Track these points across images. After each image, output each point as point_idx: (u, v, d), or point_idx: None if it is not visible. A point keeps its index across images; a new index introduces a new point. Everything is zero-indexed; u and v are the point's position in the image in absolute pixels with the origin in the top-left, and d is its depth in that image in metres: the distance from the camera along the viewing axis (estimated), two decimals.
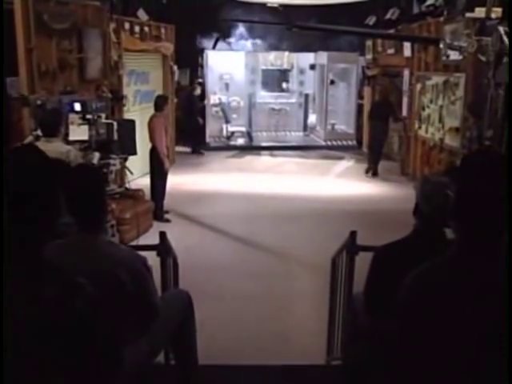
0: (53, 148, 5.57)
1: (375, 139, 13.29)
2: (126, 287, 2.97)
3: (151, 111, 9.59)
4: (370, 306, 3.30)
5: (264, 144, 17.34)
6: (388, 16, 13.62)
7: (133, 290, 3.00)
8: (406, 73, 13.06)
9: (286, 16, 12.62)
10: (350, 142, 17.10)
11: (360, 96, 17.16)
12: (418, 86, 12.26)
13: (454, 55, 9.46)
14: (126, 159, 10.17)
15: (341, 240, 4.65)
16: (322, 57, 17.42)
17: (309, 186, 12.14)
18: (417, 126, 12.40)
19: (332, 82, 17.40)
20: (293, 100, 18.94)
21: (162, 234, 4.07)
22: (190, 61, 17.26)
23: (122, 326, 2.92)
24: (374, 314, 3.25)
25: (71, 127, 6.19)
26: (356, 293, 4.07)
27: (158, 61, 13.83)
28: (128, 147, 7.07)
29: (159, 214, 9.24)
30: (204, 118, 16.79)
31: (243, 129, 17.56)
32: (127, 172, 9.29)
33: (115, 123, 6.63)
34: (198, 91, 16.17)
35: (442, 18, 10.42)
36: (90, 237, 3.01)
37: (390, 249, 3.27)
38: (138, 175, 12.01)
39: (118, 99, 10.68)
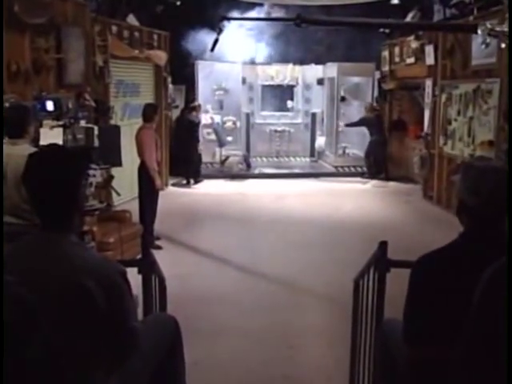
0: (19, 151, 5.07)
1: (370, 153, 15.25)
2: (96, 303, 2.46)
3: None
4: (412, 334, 2.81)
5: (264, 171, 16.34)
6: (408, 20, 13.35)
7: (105, 307, 2.49)
8: (429, 83, 12.73)
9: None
10: (364, 168, 15.94)
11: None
12: (443, 97, 11.91)
13: (487, 57, 9.11)
14: (111, 178, 9.80)
15: (357, 268, 4.38)
16: (332, 69, 16.65)
17: (319, 210, 11.85)
18: (442, 142, 12.04)
19: (343, 99, 16.74)
20: (298, 120, 18.13)
21: (145, 248, 3.58)
22: (186, 77, 16.59)
23: (84, 354, 2.48)
24: (418, 343, 2.77)
25: (42, 130, 5.72)
26: (388, 319, 3.68)
27: (149, 71, 13.59)
28: (111, 156, 6.57)
29: (148, 239, 8.76)
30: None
31: (239, 153, 16.59)
32: (113, 193, 8.89)
33: (96, 128, 6.14)
34: (195, 113, 15.07)
35: (471, 17, 10.07)
36: (54, 236, 2.57)
37: (435, 258, 2.81)
38: (126, 198, 11.68)
39: (103, 111, 10.34)
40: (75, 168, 2.65)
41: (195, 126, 14.76)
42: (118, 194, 8.55)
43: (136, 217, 8.95)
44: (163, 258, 7.82)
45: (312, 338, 6.05)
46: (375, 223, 10.58)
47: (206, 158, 15.69)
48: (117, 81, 11.80)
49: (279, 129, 17.89)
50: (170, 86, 14.69)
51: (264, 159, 17.68)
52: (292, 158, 17.96)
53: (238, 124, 16.98)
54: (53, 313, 2.37)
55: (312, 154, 18.03)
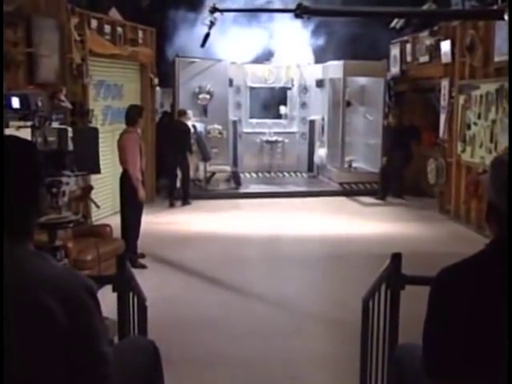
0: None
1: (387, 169, 14.44)
2: (56, 322, 2.27)
3: None
4: (434, 363, 2.60)
5: (254, 190, 15.49)
6: None
7: (67, 328, 2.30)
8: (445, 84, 12.69)
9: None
10: (375, 186, 15.14)
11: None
12: (461, 99, 11.87)
13: None
14: (90, 188, 9.68)
15: (366, 287, 4.35)
16: (335, 68, 15.90)
17: (321, 225, 11.88)
18: (460, 148, 11.98)
19: (348, 104, 15.99)
20: (293, 129, 17.44)
21: (121, 261, 3.41)
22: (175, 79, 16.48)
23: None
24: (441, 374, 2.59)
25: (7, 130, 5.56)
26: (403, 344, 3.54)
27: (134, 71, 13.58)
28: (88, 162, 6.38)
29: (131, 257, 8.65)
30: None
31: (227, 168, 15.65)
32: (93, 206, 8.75)
33: (70, 129, 5.97)
34: (189, 118, 14.44)
35: (495, 7, 9.98)
36: (8, 244, 2.36)
37: (460, 270, 2.63)
38: (108, 212, 11.63)
39: (81, 114, 10.27)
40: (35, 160, 2.48)
41: (186, 134, 13.98)
42: (98, 207, 8.44)
43: (118, 232, 8.86)
44: (148, 278, 7.86)
45: (315, 367, 5.92)
46: (385, 241, 10.45)
47: None
48: (97, 81, 11.74)
49: (271, 139, 17.02)
50: (158, 88, 14.57)
51: (253, 175, 16.98)
52: (287, 174, 17.20)
53: (225, 134, 15.96)
54: (4, 335, 2.20)
55: (310, 169, 17.28)
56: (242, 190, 15.33)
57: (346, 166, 15.87)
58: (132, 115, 8.89)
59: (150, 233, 9.93)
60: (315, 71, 17.15)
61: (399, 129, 14.60)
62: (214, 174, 15.29)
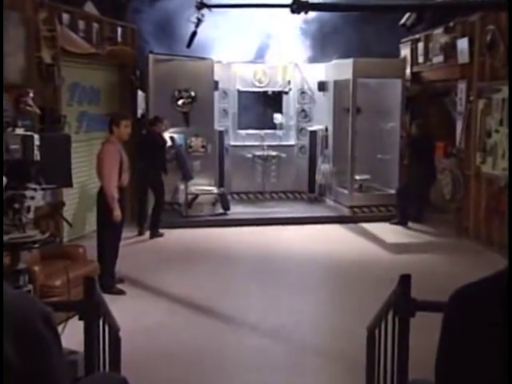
0: None
1: (405, 189, 13.82)
2: (6, 358, 2.18)
3: None
4: None
5: (244, 215, 14.41)
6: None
7: (18, 365, 2.20)
8: (462, 86, 12.66)
9: None
10: (391, 209, 14.19)
11: (408, 133, 14.69)
12: (481, 103, 11.84)
13: None
14: (62, 205, 9.62)
15: (371, 315, 4.45)
16: (342, 68, 14.95)
17: (322, 246, 11.90)
18: (479, 159, 11.94)
19: (357, 111, 14.89)
20: (290, 142, 16.51)
21: (88, 283, 3.33)
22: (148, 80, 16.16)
23: None
24: None
25: None
26: (414, 381, 3.51)
27: (113, 73, 13.58)
28: (58, 174, 6.33)
29: (107, 281, 8.64)
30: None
31: (214, 189, 14.50)
32: (64, 223, 8.70)
33: (36, 136, 5.91)
34: (164, 128, 13.08)
35: None
36: None
37: (478, 291, 2.50)
38: (85, 231, 11.64)
39: (52, 121, 10.16)
40: None
41: (160, 148, 12.93)
42: (70, 225, 8.39)
43: (94, 254, 8.89)
44: (126, 305, 7.87)
45: None
46: (394, 264, 10.36)
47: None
48: (71, 83, 11.69)
49: (264, 154, 16.04)
50: (140, 92, 14.32)
51: (243, 197, 16.08)
52: (283, 195, 16.39)
53: (209, 148, 14.67)
54: None
55: (311, 190, 16.18)
56: (231, 216, 14.25)
57: (356, 185, 14.94)
58: (109, 122, 8.94)
59: (129, 255, 9.94)
60: (317, 72, 16.23)
61: (421, 141, 13.97)
62: (197, 196, 14.22)
